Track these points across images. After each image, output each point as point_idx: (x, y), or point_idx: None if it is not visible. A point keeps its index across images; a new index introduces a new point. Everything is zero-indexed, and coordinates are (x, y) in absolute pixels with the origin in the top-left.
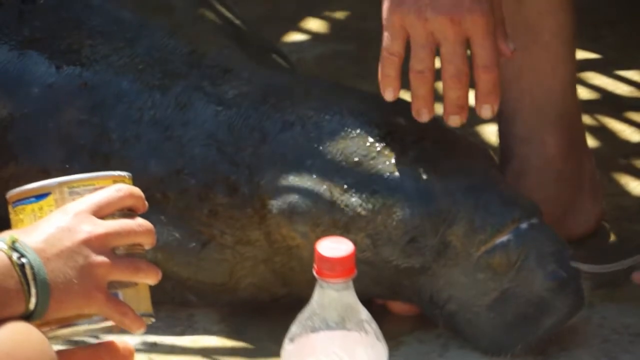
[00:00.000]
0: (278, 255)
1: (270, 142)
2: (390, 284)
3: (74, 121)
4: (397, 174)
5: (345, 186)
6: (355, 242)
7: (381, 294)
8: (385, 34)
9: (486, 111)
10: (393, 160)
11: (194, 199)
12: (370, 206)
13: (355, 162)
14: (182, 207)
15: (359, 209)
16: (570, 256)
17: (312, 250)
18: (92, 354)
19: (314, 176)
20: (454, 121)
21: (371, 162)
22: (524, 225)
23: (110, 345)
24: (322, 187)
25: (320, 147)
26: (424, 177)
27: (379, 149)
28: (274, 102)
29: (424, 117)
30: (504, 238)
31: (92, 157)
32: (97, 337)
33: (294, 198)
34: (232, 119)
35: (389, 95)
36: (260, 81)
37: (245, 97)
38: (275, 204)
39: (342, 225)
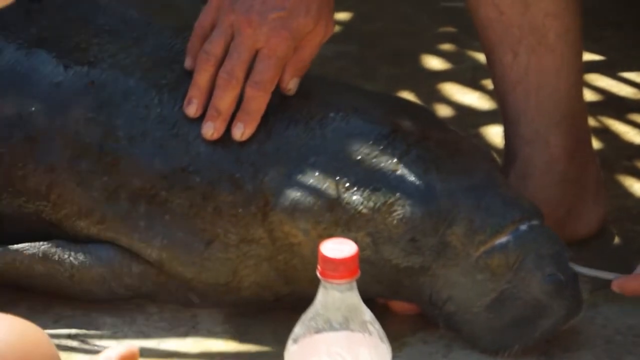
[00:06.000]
0: (281, 254)
1: (274, 139)
2: (391, 283)
3: (81, 119)
4: (399, 172)
5: (348, 184)
6: (356, 241)
7: (382, 293)
8: (204, 9)
9: (237, 130)
10: (395, 159)
11: (198, 197)
12: (371, 204)
13: (358, 160)
14: (187, 206)
15: (360, 207)
16: (570, 258)
17: (314, 248)
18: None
19: (317, 173)
20: (207, 130)
21: (374, 160)
22: (523, 227)
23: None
24: (325, 185)
25: (324, 145)
26: (426, 176)
27: (381, 147)
28: (278, 100)
29: (190, 110)
30: (503, 239)
31: (99, 155)
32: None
33: (296, 195)
34: None
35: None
36: None
37: None
38: (278, 201)
39: (343, 223)
